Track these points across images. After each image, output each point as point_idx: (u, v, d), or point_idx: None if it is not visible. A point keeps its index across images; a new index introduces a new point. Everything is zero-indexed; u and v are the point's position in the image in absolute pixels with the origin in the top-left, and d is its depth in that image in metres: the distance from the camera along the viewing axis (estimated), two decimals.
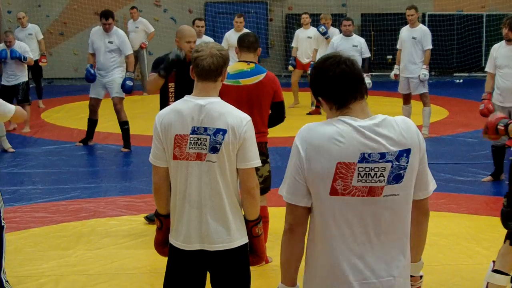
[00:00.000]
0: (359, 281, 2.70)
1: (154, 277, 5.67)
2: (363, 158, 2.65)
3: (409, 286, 2.84)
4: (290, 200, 2.76)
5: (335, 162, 2.65)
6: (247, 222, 3.72)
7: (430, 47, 10.92)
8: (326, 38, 13.19)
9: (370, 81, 11.64)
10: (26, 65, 11.73)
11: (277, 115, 5.74)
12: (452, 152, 10.24)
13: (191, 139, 3.60)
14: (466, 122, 12.54)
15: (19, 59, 11.39)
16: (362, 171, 2.65)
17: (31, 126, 12.19)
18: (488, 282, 4.66)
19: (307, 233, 2.82)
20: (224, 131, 3.58)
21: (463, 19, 19.46)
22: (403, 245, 2.76)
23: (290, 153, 2.77)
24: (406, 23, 11.46)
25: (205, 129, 3.59)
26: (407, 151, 2.69)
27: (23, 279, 5.67)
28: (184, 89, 5.34)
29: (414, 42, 10.92)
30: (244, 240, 3.72)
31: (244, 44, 5.69)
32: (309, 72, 13.15)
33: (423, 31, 11.01)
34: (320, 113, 13.07)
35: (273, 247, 5.73)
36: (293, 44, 14.57)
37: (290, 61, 14.74)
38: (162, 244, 3.85)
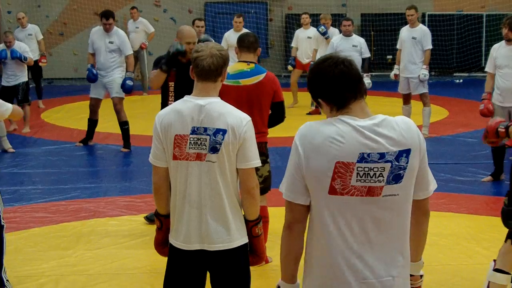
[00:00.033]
0: (358, 281, 2.70)
1: (154, 277, 5.67)
2: (362, 158, 2.65)
3: (409, 286, 2.84)
4: (289, 198, 2.77)
5: (333, 162, 2.66)
6: (247, 222, 3.72)
7: (430, 47, 10.92)
8: (326, 38, 13.18)
9: (370, 81, 11.64)
10: (26, 66, 11.73)
11: (277, 115, 5.74)
12: (452, 152, 10.24)
13: (191, 139, 3.60)
14: (466, 122, 12.54)
15: (20, 59, 11.39)
16: (361, 171, 2.65)
17: (31, 126, 12.19)
18: (489, 281, 4.65)
19: (306, 231, 2.82)
20: (224, 131, 3.58)
21: (463, 19, 19.46)
22: (403, 245, 2.76)
23: (290, 153, 2.77)
24: (406, 23, 11.46)
25: (205, 129, 3.59)
26: (407, 151, 2.69)
27: (23, 279, 5.67)
28: (183, 89, 5.35)
29: (414, 42, 10.92)
30: (244, 240, 3.72)
31: (244, 44, 5.69)
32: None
33: (423, 31, 11.01)
34: (320, 113, 13.07)
35: (273, 247, 5.73)
36: (292, 44, 14.57)
37: (290, 61, 14.74)
38: (162, 244, 3.85)
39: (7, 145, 10.44)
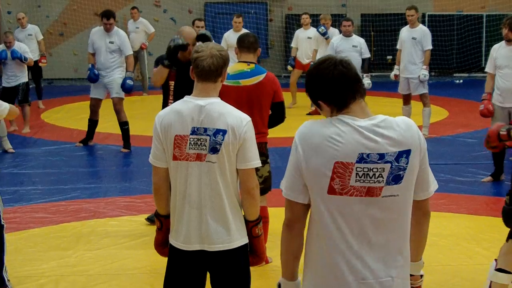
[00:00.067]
0: (357, 281, 2.70)
1: (154, 277, 5.67)
2: (362, 159, 2.65)
3: (409, 286, 2.84)
4: (288, 196, 2.78)
5: (332, 162, 2.66)
6: (247, 222, 3.72)
7: (430, 47, 10.92)
8: (326, 39, 13.18)
9: (370, 82, 11.63)
10: (26, 66, 11.73)
11: (277, 115, 5.74)
12: (452, 152, 10.24)
13: (191, 139, 3.60)
14: (466, 122, 12.54)
15: (20, 59, 11.39)
16: (360, 171, 2.65)
17: (31, 126, 12.19)
18: (491, 281, 4.65)
19: (306, 230, 2.83)
20: (224, 132, 3.58)
21: (463, 20, 19.46)
22: (403, 245, 2.76)
23: (290, 153, 2.78)
24: (406, 24, 11.46)
25: (205, 129, 3.59)
26: (407, 152, 2.69)
27: (23, 280, 5.67)
28: (183, 89, 5.35)
29: (414, 43, 10.92)
30: (244, 240, 3.72)
31: (244, 44, 5.69)
32: None
33: (423, 32, 11.01)
34: (320, 113, 13.05)
35: (273, 247, 5.73)
36: (292, 44, 14.57)
37: (289, 61, 14.73)
38: (162, 245, 3.85)
39: (8, 146, 10.44)
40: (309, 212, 2.81)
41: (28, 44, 13.05)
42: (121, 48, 10.37)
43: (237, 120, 3.61)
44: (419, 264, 3.00)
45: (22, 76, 11.59)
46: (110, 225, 7.08)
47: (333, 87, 2.71)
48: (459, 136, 11.47)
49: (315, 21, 14.62)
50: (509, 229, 4.62)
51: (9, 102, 5.41)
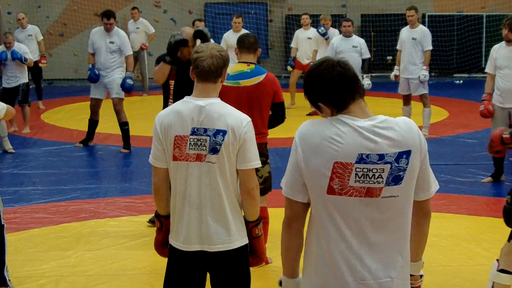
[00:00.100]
0: (356, 281, 2.70)
1: (154, 277, 5.67)
2: (361, 159, 2.65)
3: (409, 287, 2.84)
4: (287, 194, 2.80)
5: (332, 162, 2.66)
6: (247, 223, 3.72)
7: (430, 48, 10.92)
8: (326, 39, 13.17)
9: (370, 82, 11.61)
10: (26, 67, 11.73)
11: (277, 116, 5.74)
12: (452, 153, 10.24)
13: (191, 140, 3.60)
14: (466, 123, 12.54)
15: (20, 60, 11.39)
16: (360, 171, 2.66)
17: (31, 127, 12.19)
18: (493, 282, 4.64)
19: (307, 229, 2.83)
20: (224, 132, 3.58)
21: (463, 20, 19.46)
22: (402, 246, 2.76)
23: (290, 153, 2.79)
24: (406, 24, 11.46)
25: (205, 130, 3.59)
26: (407, 153, 2.68)
27: (23, 280, 5.67)
28: (183, 89, 5.35)
29: (414, 43, 10.92)
30: (244, 241, 3.72)
31: (244, 45, 5.69)
32: None
33: (423, 32, 11.01)
34: (320, 115, 13.05)
35: (273, 248, 5.73)
36: (292, 45, 14.56)
37: (289, 62, 14.72)
38: (162, 245, 3.85)
39: (8, 146, 10.44)
40: (309, 212, 2.82)
41: (28, 44, 13.05)
42: (121, 48, 10.37)
43: (237, 120, 3.61)
44: (419, 264, 3.00)
45: (22, 77, 11.59)
46: (110, 225, 7.08)
47: (332, 88, 2.71)
48: (459, 136, 11.47)
49: (315, 22, 14.62)
50: (510, 229, 4.61)
51: (9, 103, 5.44)
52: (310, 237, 2.79)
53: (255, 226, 3.72)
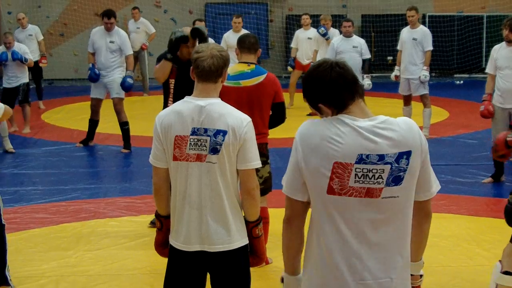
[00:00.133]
0: (356, 281, 2.70)
1: (154, 278, 5.67)
2: (361, 159, 2.65)
3: (409, 287, 2.84)
4: (287, 193, 2.81)
5: (331, 162, 2.66)
6: (247, 223, 3.72)
7: (431, 48, 10.92)
8: (326, 39, 13.17)
9: (370, 82, 11.61)
10: (26, 66, 11.73)
11: (277, 116, 5.74)
12: (453, 153, 10.24)
13: (191, 140, 3.60)
14: (467, 123, 12.54)
15: (20, 60, 11.39)
16: (360, 172, 2.65)
17: (31, 127, 12.19)
18: (497, 284, 4.62)
19: (307, 229, 2.84)
20: (224, 132, 3.58)
21: (464, 20, 19.46)
22: (402, 246, 2.76)
23: (290, 154, 2.79)
24: (406, 24, 11.46)
25: (205, 130, 3.59)
26: (408, 153, 2.68)
27: (23, 280, 5.67)
28: (183, 89, 5.34)
29: (414, 43, 10.92)
30: (244, 241, 3.71)
31: (244, 45, 5.69)
32: None
33: (423, 32, 11.00)
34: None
35: (273, 248, 5.73)
36: (292, 45, 14.55)
37: (289, 62, 14.70)
38: (162, 245, 3.85)
39: (8, 146, 10.44)
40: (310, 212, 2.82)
41: (28, 44, 13.05)
42: (121, 47, 10.37)
43: (238, 120, 3.61)
44: (419, 264, 3.00)
45: (23, 77, 11.59)
46: (110, 225, 7.08)
47: (332, 89, 2.72)
48: (459, 137, 11.47)
49: (316, 22, 14.61)
50: (511, 230, 4.60)
51: (9, 103, 5.43)
52: (311, 237, 2.80)
53: (255, 226, 3.72)
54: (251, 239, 3.74)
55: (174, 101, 6.12)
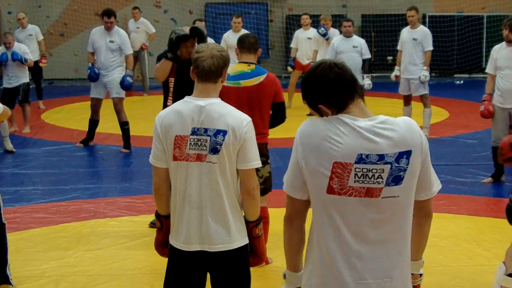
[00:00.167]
0: (355, 281, 2.71)
1: (154, 277, 5.67)
2: (361, 159, 2.65)
3: (410, 287, 2.84)
4: (287, 191, 2.83)
5: (331, 162, 2.67)
6: (247, 223, 3.72)
7: (431, 48, 10.92)
8: (326, 39, 13.16)
9: (370, 82, 11.60)
10: (26, 66, 11.73)
11: (277, 116, 5.74)
12: (453, 153, 10.24)
13: (191, 140, 3.60)
14: (467, 123, 12.54)
15: (20, 61, 11.39)
16: (359, 171, 2.66)
17: (31, 127, 12.19)
18: (501, 286, 4.60)
19: (308, 229, 2.84)
20: (224, 132, 3.58)
21: (464, 20, 19.46)
22: (402, 246, 2.76)
23: (290, 154, 2.80)
24: (406, 24, 11.46)
25: (205, 130, 3.59)
26: (408, 153, 2.68)
27: (23, 280, 5.67)
28: (183, 89, 5.34)
29: (414, 43, 10.92)
30: (244, 241, 3.72)
31: (244, 45, 5.69)
32: None
33: (423, 32, 11.00)
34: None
35: (273, 248, 5.73)
36: (292, 45, 14.54)
37: (289, 62, 14.69)
38: (163, 245, 3.85)
39: (9, 145, 10.44)
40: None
41: (28, 44, 13.05)
42: (121, 47, 10.37)
43: (238, 120, 3.61)
44: (419, 263, 3.00)
45: (23, 77, 11.59)
46: (110, 225, 7.08)
47: (331, 89, 2.72)
48: (459, 137, 11.47)
49: (316, 22, 14.61)
50: None
51: (9, 103, 5.42)
52: (311, 237, 2.80)
53: (256, 226, 3.72)
54: (251, 239, 3.74)
55: (173, 100, 6.13)
